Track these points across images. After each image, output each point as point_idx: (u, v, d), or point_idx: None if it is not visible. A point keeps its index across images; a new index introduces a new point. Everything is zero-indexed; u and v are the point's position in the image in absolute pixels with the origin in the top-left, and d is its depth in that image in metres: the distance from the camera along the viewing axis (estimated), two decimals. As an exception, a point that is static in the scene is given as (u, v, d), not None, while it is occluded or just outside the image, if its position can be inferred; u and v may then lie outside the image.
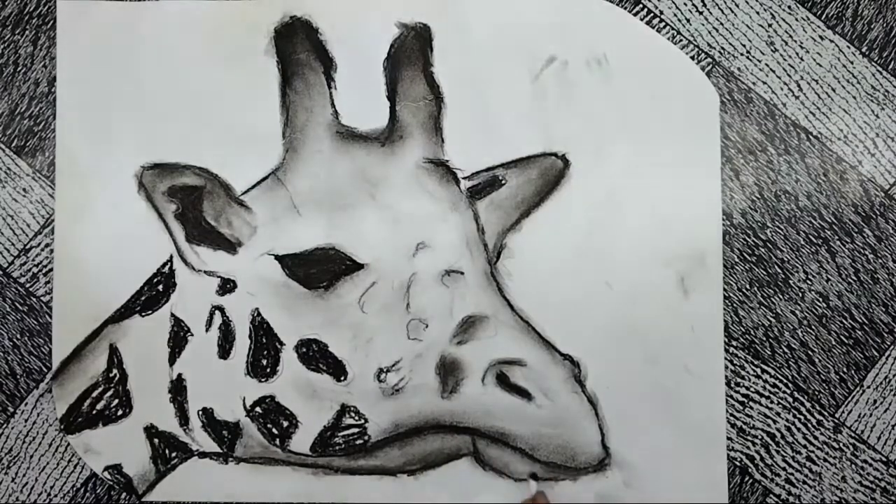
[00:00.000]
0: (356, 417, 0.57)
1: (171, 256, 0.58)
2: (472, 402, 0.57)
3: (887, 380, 0.58)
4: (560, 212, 0.58)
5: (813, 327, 0.58)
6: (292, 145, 0.58)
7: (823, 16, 0.59)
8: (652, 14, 0.59)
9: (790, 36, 0.59)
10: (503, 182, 0.58)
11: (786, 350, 0.58)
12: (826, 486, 0.58)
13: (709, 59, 0.59)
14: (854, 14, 0.59)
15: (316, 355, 0.57)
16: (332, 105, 0.58)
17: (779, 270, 0.58)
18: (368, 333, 0.57)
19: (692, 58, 0.59)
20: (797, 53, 0.59)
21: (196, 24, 0.58)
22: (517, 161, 0.58)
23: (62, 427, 0.58)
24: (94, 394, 0.58)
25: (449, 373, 0.57)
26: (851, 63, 0.59)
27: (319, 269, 0.57)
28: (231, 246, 0.58)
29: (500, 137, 0.58)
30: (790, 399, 0.58)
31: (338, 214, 0.58)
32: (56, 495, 0.59)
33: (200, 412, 0.58)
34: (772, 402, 0.58)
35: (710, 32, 0.59)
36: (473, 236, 0.58)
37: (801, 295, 0.58)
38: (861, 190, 0.59)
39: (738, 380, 0.58)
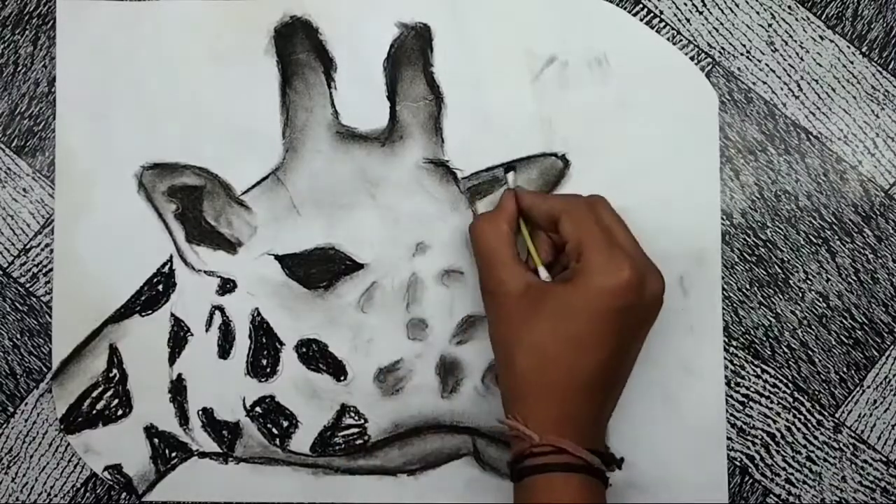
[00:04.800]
0: (356, 417, 0.57)
1: (171, 256, 0.58)
2: (472, 402, 0.57)
3: (887, 380, 0.58)
4: (560, 212, 0.58)
5: (813, 327, 0.58)
6: (292, 145, 0.58)
7: (823, 16, 0.59)
8: (652, 14, 0.59)
9: (790, 36, 0.59)
10: (503, 182, 0.58)
11: (786, 350, 0.58)
12: (826, 486, 0.58)
13: (709, 59, 0.59)
14: (854, 14, 0.59)
15: (316, 355, 0.57)
16: (332, 105, 0.58)
17: (779, 270, 0.58)
18: (368, 333, 0.57)
19: (692, 58, 0.59)
20: (797, 53, 0.59)
21: (196, 24, 0.58)
22: (517, 161, 0.58)
23: (62, 427, 0.58)
24: (94, 394, 0.58)
25: (449, 373, 0.57)
26: (851, 63, 0.59)
27: (319, 269, 0.57)
28: (231, 246, 0.58)
29: (500, 137, 0.58)
30: (790, 399, 0.58)
31: (338, 214, 0.58)
32: (56, 495, 0.59)
33: (200, 412, 0.58)
34: (772, 402, 0.58)
35: (710, 32, 0.59)
36: (473, 236, 0.58)
37: (801, 295, 0.58)
38: (861, 190, 0.59)
39: (738, 380, 0.58)
